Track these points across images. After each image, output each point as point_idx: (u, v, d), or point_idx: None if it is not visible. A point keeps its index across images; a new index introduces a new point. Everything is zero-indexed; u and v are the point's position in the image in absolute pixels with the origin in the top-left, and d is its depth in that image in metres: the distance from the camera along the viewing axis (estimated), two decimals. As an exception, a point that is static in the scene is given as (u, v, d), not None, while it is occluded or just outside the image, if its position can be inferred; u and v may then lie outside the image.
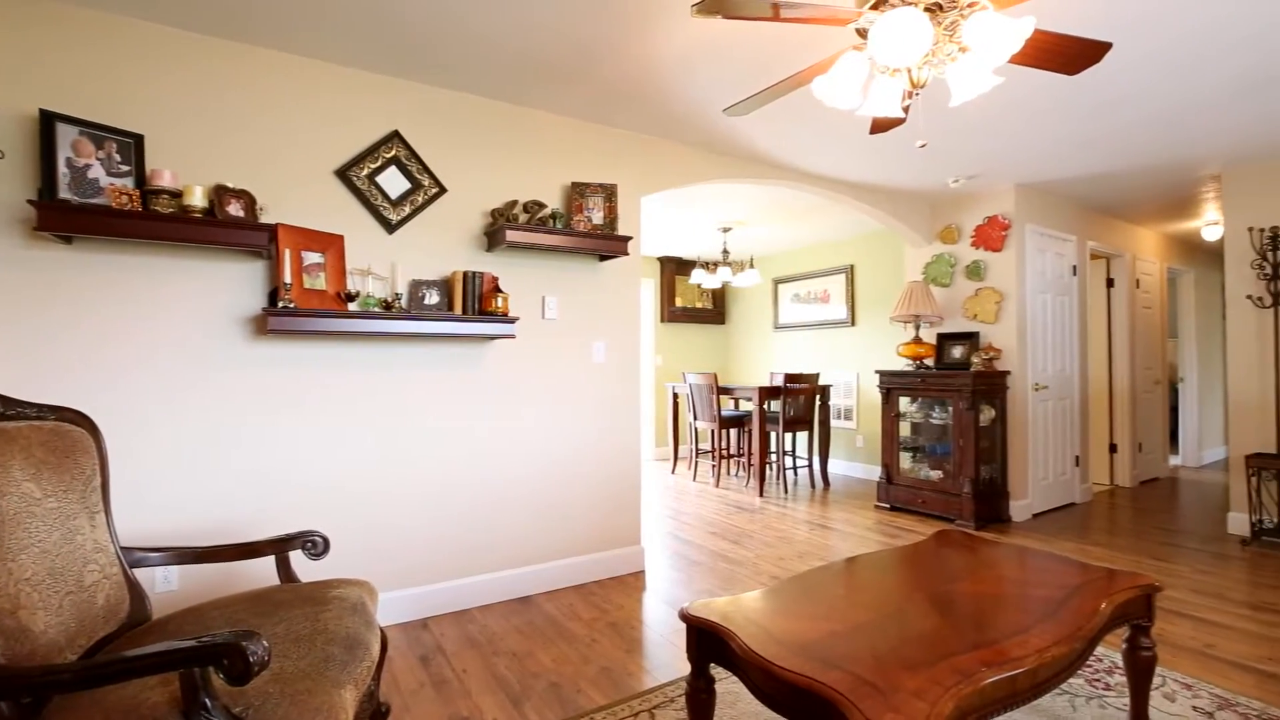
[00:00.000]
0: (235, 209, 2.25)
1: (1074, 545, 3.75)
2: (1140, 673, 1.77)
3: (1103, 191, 4.55)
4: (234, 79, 2.40)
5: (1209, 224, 5.47)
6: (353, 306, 2.54)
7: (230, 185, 2.28)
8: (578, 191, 3.09)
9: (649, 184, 3.44)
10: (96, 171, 2.09)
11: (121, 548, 1.61)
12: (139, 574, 2.11)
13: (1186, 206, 4.99)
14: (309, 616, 1.46)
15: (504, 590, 2.93)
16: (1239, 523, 3.97)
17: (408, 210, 2.72)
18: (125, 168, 2.15)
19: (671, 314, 7.22)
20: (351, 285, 2.59)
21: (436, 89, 2.82)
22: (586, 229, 3.06)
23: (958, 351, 4.56)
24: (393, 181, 2.69)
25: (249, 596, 1.60)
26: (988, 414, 4.27)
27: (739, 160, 3.79)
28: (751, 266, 5.94)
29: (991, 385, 4.28)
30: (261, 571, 2.40)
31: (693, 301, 7.45)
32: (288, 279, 2.31)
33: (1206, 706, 1.98)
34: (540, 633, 2.57)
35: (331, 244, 2.50)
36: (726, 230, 5.72)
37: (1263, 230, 3.92)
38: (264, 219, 2.40)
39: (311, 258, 2.45)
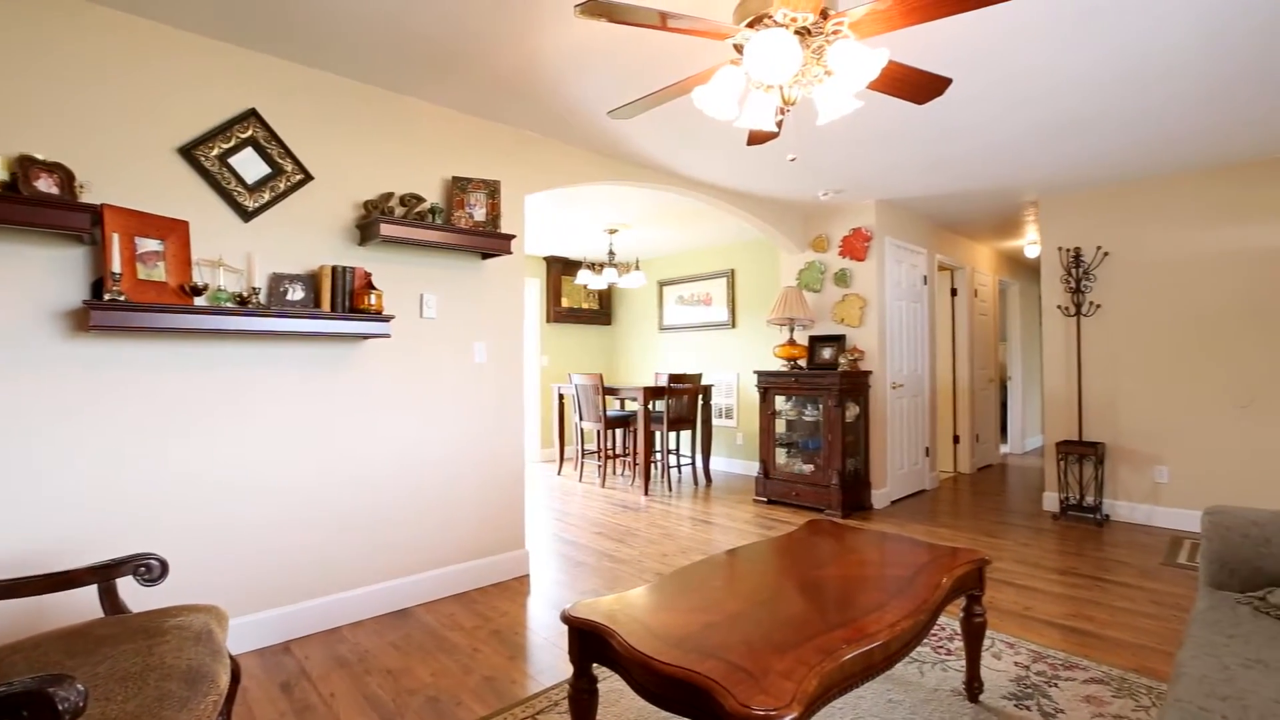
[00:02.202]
0: (46, 185, 1.94)
1: (924, 527, 4.16)
2: (973, 637, 1.99)
3: (948, 210, 5.09)
4: (47, 33, 2.07)
5: (1030, 243, 6.29)
6: (200, 301, 2.28)
7: (40, 157, 1.97)
8: (459, 186, 2.98)
9: (534, 182, 3.39)
10: None
11: (-114, 587, 1.34)
12: (-87, 616, 1.76)
13: (1013, 227, 5.71)
14: (140, 651, 1.29)
15: (378, 604, 2.76)
16: (1051, 500, 4.60)
17: (267, 197, 2.49)
18: (-106, 129, 1.79)
19: (557, 314, 7.17)
20: (199, 277, 2.32)
21: (302, 67, 2.60)
22: (468, 226, 2.96)
23: (827, 353, 4.91)
24: (249, 165, 2.45)
25: (62, 634, 1.39)
26: (853, 411, 4.63)
27: (625, 163, 3.83)
28: (637, 268, 6.04)
29: (856, 384, 4.64)
30: (83, 605, 2.09)
31: (579, 302, 7.44)
32: (117, 268, 2.03)
33: (1025, 661, 2.27)
34: (418, 646, 2.45)
35: (173, 230, 2.23)
36: (613, 232, 5.77)
37: (1068, 250, 4.58)
38: (86, 198, 2.09)
39: (148, 245, 2.17)
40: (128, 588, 2.09)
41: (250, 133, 2.45)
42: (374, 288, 2.65)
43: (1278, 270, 3.79)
